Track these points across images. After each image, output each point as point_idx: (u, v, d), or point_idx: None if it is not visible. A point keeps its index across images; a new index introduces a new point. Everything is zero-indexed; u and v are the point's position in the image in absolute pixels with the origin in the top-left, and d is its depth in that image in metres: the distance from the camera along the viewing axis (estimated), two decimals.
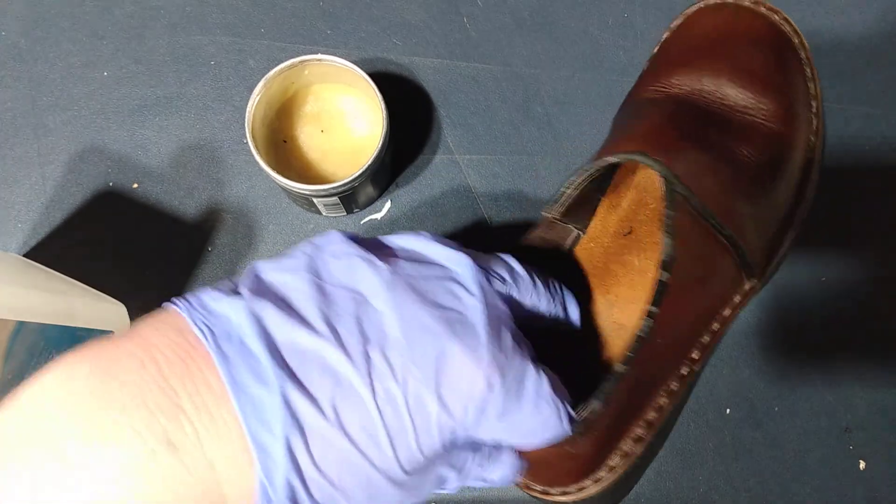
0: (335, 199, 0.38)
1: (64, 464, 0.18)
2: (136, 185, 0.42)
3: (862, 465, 0.39)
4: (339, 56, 0.37)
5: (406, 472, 0.22)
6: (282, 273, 0.23)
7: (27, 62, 0.43)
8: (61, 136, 0.42)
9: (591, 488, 0.29)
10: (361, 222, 0.42)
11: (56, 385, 0.20)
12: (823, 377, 0.40)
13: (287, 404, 0.20)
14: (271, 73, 0.37)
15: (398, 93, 0.43)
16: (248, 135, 0.36)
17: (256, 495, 0.20)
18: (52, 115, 0.43)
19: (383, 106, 0.37)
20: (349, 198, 0.38)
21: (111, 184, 0.42)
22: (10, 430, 0.19)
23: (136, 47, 0.44)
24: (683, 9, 0.42)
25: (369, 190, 0.39)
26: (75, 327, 0.34)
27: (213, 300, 0.22)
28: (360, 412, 0.21)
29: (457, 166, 0.43)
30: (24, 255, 0.40)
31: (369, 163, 0.36)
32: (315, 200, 0.38)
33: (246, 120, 0.36)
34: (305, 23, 0.44)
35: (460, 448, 0.25)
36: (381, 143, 0.36)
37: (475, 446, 0.26)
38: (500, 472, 0.27)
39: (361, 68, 0.37)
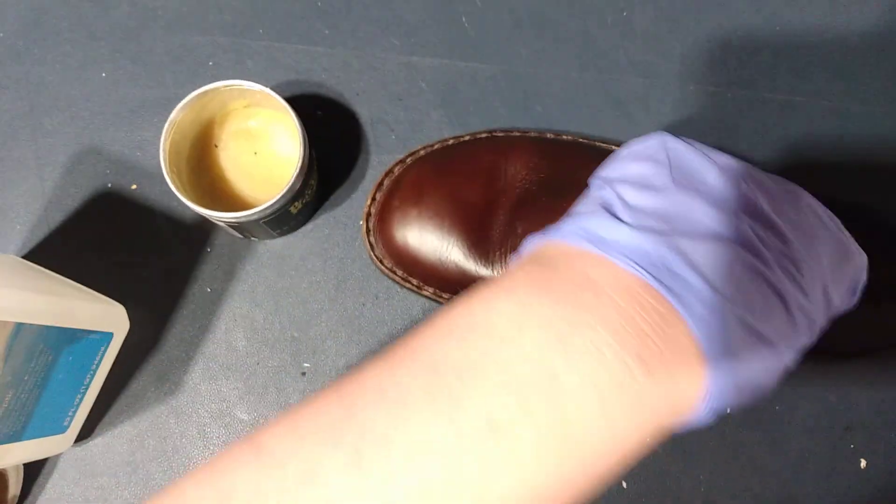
0: (261, 225, 0.37)
1: (549, 371, 0.19)
2: (134, 186, 0.42)
3: (863, 463, 0.39)
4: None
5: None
6: (646, 193, 0.24)
7: (25, 64, 0.43)
8: (59, 137, 0.42)
9: None
10: (360, 222, 0.42)
11: (510, 310, 0.20)
12: (824, 376, 0.40)
13: (735, 323, 0.21)
14: (184, 101, 0.35)
15: (396, 93, 0.43)
16: (164, 167, 0.35)
17: (701, 406, 0.21)
18: (50, 116, 0.42)
19: (300, 128, 0.36)
20: (279, 220, 0.37)
21: (110, 185, 0.42)
22: (459, 356, 0.19)
23: (133, 48, 0.44)
24: (684, 8, 0.42)
25: (298, 216, 0.39)
26: (74, 328, 0.34)
27: (611, 232, 0.23)
28: (773, 314, 0.22)
29: None
30: (23, 257, 0.40)
31: (287, 188, 0.35)
32: (245, 224, 0.36)
33: (161, 149, 0.34)
34: (304, 23, 0.44)
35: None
36: (297, 166, 0.35)
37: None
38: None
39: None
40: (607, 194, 0.24)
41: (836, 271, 0.25)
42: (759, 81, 0.43)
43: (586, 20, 0.45)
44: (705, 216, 0.23)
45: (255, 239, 0.41)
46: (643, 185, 0.24)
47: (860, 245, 0.28)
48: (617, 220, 0.23)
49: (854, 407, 0.39)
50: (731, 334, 0.21)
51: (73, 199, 0.41)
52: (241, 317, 0.40)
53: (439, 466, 0.18)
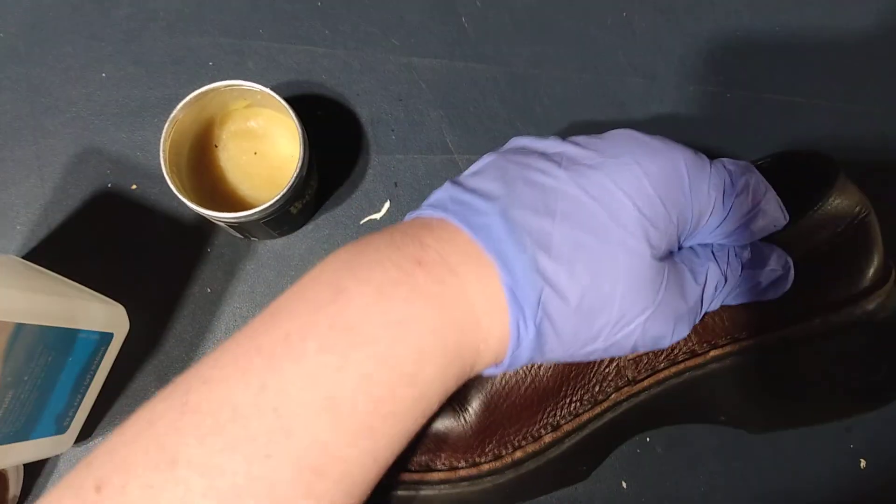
0: (260, 225, 0.37)
1: (339, 290, 0.23)
2: (134, 187, 0.42)
3: (863, 463, 0.39)
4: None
5: (652, 252, 0.25)
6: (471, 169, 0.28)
7: (25, 64, 0.43)
8: (60, 137, 0.42)
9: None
10: (361, 222, 0.42)
11: (326, 263, 0.25)
12: None
13: (509, 219, 0.24)
14: (184, 101, 0.35)
15: (396, 93, 0.43)
16: (164, 167, 0.35)
17: (504, 295, 0.24)
18: (51, 117, 0.42)
19: (300, 129, 0.36)
20: (279, 220, 0.37)
21: (110, 185, 0.42)
22: (278, 302, 0.25)
23: (134, 49, 0.44)
24: (683, 8, 0.42)
25: (298, 216, 0.39)
26: (74, 329, 0.34)
27: (429, 199, 0.27)
28: (577, 207, 0.25)
29: (456, 167, 0.43)
30: (23, 257, 0.40)
31: (287, 188, 0.35)
32: (246, 224, 0.36)
33: (161, 149, 0.34)
34: (304, 24, 0.44)
35: (701, 254, 0.29)
36: (298, 167, 0.35)
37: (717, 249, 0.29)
38: (766, 273, 0.30)
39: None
40: None
41: (666, 176, 0.26)
42: (759, 81, 0.44)
43: (586, 21, 0.45)
44: (507, 164, 0.27)
45: (256, 239, 0.41)
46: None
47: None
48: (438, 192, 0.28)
49: None
50: (516, 235, 0.24)
51: (74, 200, 0.41)
52: (242, 317, 0.40)
53: (242, 387, 0.22)
